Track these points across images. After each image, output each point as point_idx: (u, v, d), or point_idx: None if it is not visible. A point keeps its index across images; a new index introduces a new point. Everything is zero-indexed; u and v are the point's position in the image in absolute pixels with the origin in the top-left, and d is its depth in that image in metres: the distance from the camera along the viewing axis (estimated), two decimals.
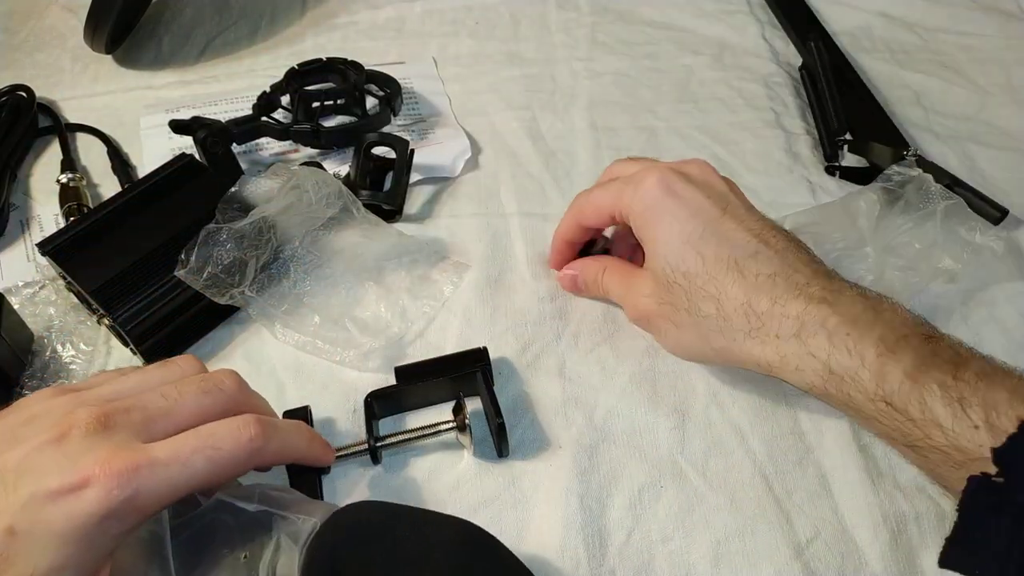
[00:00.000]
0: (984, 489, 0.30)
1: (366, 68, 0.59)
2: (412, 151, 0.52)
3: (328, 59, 0.59)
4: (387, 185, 0.53)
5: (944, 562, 0.31)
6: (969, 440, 0.31)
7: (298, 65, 0.58)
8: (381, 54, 0.65)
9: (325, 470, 0.41)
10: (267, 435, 0.31)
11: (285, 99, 0.58)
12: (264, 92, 0.56)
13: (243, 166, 0.54)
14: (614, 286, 0.43)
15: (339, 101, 0.58)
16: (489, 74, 0.64)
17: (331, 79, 0.59)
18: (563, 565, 0.37)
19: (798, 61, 0.64)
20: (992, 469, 0.30)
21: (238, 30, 0.68)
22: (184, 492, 0.29)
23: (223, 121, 0.52)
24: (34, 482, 0.27)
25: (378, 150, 0.53)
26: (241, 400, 0.33)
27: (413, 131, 0.58)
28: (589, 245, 0.47)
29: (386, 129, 0.56)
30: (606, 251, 0.47)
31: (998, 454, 0.30)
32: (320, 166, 0.52)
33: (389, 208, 0.51)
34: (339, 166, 0.55)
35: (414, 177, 0.54)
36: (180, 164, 0.49)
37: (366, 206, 0.51)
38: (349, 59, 0.59)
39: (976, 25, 0.67)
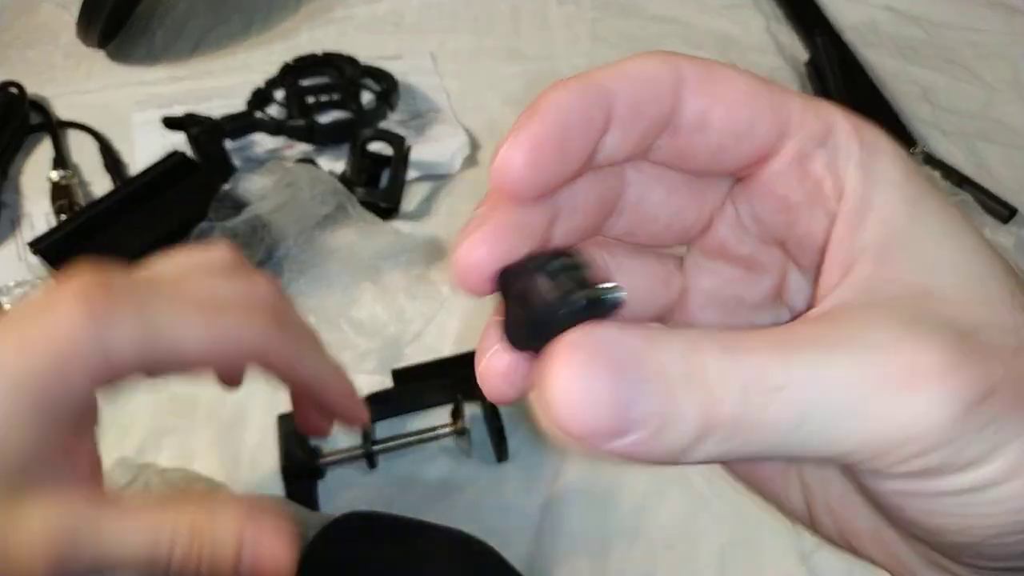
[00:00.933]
0: None
1: (362, 63, 0.58)
2: (409, 147, 0.51)
3: (324, 54, 0.58)
4: (383, 182, 0.52)
5: None
6: None
7: (293, 60, 0.57)
8: (378, 49, 0.64)
9: (320, 474, 0.40)
10: (288, 309, 0.25)
11: (279, 95, 0.57)
12: (258, 88, 0.55)
13: (236, 163, 0.53)
14: (816, 357, 0.13)
15: (334, 96, 0.57)
16: (488, 70, 0.63)
17: (326, 74, 0.58)
18: (565, 572, 0.36)
19: (804, 56, 0.63)
20: None
21: (232, 25, 0.67)
22: (167, 352, 0.22)
23: (216, 117, 0.51)
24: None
25: (374, 146, 0.52)
26: (275, 301, 0.26)
27: (410, 127, 0.57)
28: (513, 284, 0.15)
29: (383, 125, 0.55)
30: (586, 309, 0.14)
31: None
32: (315, 163, 0.51)
33: (385, 206, 0.50)
34: (334, 163, 0.54)
35: (411, 174, 0.53)
36: (173, 161, 0.49)
37: (362, 203, 0.50)
38: (344, 54, 0.58)
39: (983, 20, 0.66)
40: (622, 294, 0.13)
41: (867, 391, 0.13)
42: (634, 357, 0.12)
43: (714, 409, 0.13)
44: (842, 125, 0.16)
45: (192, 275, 0.25)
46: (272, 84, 0.56)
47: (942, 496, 0.14)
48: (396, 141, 0.51)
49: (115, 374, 0.22)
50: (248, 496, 0.28)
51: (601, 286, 0.13)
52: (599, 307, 0.13)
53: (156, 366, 0.23)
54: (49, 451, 0.22)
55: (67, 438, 0.22)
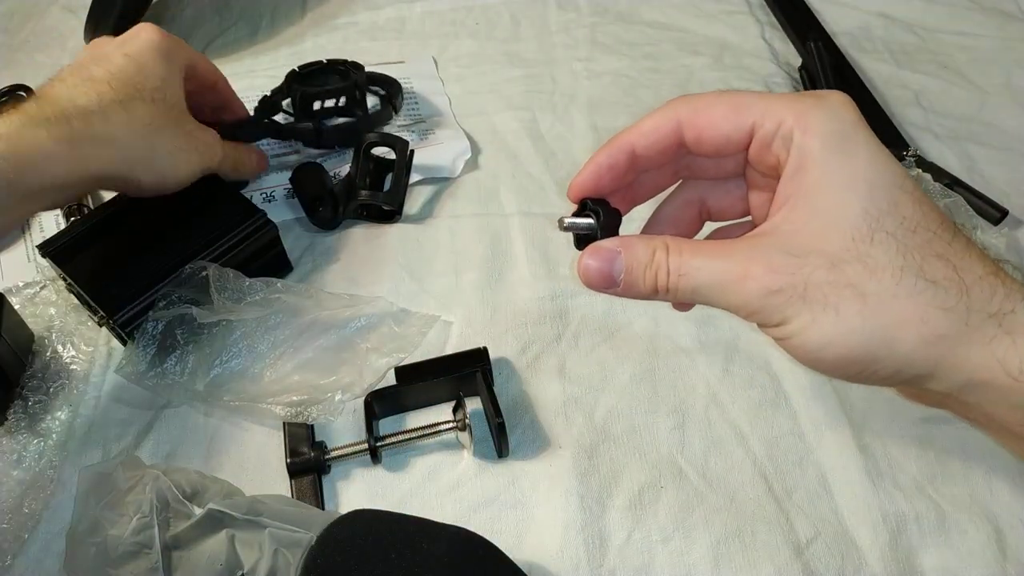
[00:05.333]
0: None
1: (367, 69, 0.59)
2: (412, 151, 0.52)
3: (328, 61, 0.59)
4: (387, 185, 0.53)
5: None
6: None
7: (299, 67, 0.58)
8: (381, 55, 0.65)
9: (325, 471, 0.41)
10: None
11: (286, 102, 0.58)
12: (265, 96, 0.56)
13: None
14: (701, 262, 0.27)
15: (340, 101, 0.58)
16: (489, 74, 0.64)
17: (331, 81, 0.59)
18: (563, 566, 0.37)
19: (798, 61, 0.64)
20: None
21: (238, 31, 0.68)
22: (191, 56, 0.47)
23: (224, 122, 0.52)
24: (111, 41, 0.45)
25: (378, 150, 0.53)
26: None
27: (413, 131, 0.58)
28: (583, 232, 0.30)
29: (386, 129, 0.56)
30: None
31: None
32: (321, 167, 0.52)
33: (389, 208, 0.51)
34: (339, 166, 0.55)
35: (414, 177, 0.54)
36: None
37: (365, 206, 0.51)
38: (350, 60, 0.59)
39: (975, 25, 0.67)
40: (596, 231, 0.29)
41: (727, 283, 0.27)
42: (615, 256, 0.28)
43: (656, 281, 0.28)
44: (787, 120, 0.27)
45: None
46: (278, 93, 0.57)
47: (779, 340, 0.27)
48: (399, 145, 0.51)
49: (185, 59, 0.46)
50: None
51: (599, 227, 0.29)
52: (598, 235, 0.29)
53: (192, 61, 0.47)
54: (179, 88, 0.45)
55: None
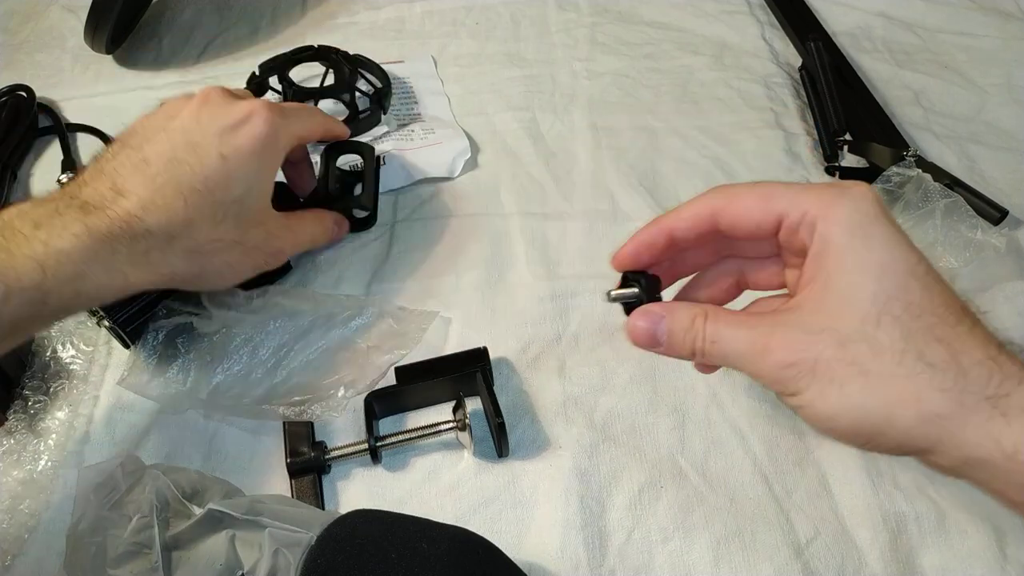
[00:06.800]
0: None
1: (352, 53, 0.59)
2: (380, 157, 0.51)
3: (320, 47, 0.59)
4: (358, 191, 0.51)
5: None
6: None
7: (289, 52, 0.59)
8: (381, 54, 0.65)
9: (325, 470, 0.41)
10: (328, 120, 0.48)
11: (273, 79, 0.58)
12: (253, 73, 0.57)
13: None
14: (732, 332, 0.30)
15: (327, 82, 0.58)
16: (489, 74, 0.64)
17: (324, 79, 0.59)
18: (563, 565, 0.37)
19: (798, 61, 0.64)
20: None
21: (238, 30, 0.68)
22: (307, 132, 0.44)
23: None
24: (215, 121, 0.38)
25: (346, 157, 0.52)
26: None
27: (412, 131, 0.58)
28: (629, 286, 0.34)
29: (383, 128, 0.56)
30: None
31: None
32: (283, 183, 0.50)
33: (360, 214, 0.51)
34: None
35: (413, 177, 0.54)
36: None
37: (341, 209, 0.49)
38: (341, 50, 0.59)
39: (975, 25, 0.67)
40: (641, 298, 0.33)
41: (751, 354, 0.29)
42: (660, 319, 0.31)
43: (693, 344, 0.31)
44: (812, 210, 0.30)
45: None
46: (266, 71, 0.58)
47: (796, 409, 0.29)
48: (366, 151, 0.51)
49: (293, 143, 0.43)
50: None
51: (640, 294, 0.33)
52: (644, 300, 0.33)
53: (302, 140, 0.44)
54: (268, 188, 0.41)
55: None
